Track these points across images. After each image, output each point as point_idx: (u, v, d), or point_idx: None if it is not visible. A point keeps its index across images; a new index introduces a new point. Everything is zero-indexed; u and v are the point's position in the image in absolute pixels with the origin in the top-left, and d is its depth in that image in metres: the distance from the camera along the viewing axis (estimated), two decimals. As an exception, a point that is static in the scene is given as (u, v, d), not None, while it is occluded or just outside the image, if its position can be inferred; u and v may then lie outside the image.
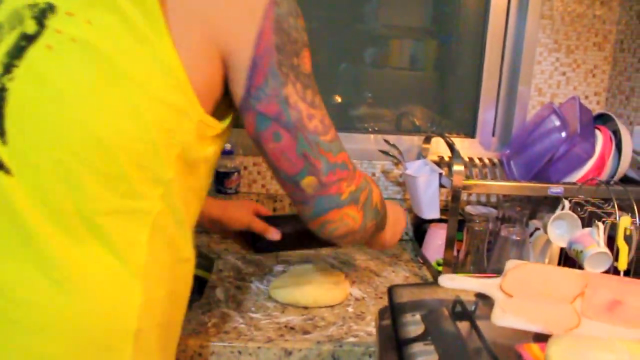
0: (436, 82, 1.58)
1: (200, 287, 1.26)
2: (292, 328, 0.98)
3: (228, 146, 1.36)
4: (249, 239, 1.07)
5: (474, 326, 0.71)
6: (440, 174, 1.20)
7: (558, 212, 1.05)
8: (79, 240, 0.61)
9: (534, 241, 1.18)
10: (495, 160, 1.40)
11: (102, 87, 0.60)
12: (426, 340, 0.70)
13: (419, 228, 1.41)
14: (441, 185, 1.21)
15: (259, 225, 1.04)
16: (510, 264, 0.80)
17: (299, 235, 1.04)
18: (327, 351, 0.92)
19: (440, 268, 1.18)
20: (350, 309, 1.06)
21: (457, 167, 1.10)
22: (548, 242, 1.12)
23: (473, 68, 1.51)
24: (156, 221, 0.65)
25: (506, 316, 0.68)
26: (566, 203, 1.06)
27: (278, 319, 1.01)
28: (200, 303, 1.06)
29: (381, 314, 0.84)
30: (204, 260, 1.29)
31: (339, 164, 0.75)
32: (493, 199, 1.44)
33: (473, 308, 0.78)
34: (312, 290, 1.07)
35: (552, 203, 1.17)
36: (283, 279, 1.11)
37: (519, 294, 0.73)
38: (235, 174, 1.38)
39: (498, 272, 0.80)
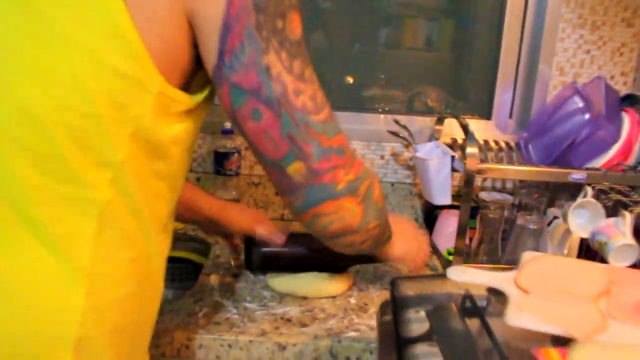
0: (451, 62, 1.51)
1: (195, 272, 1.20)
2: (288, 320, 0.92)
3: (228, 125, 1.28)
4: (243, 252, 1.00)
5: (485, 325, 0.64)
6: (453, 157, 1.13)
7: (580, 199, 0.99)
8: (9, 234, 0.54)
9: (552, 231, 1.12)
10: (512, 144, 1.33)
11: (34, 48, 0.52)
12: (431, 340, 0.63)
13: (430, 214, 1.35)
14: (453, 169, 1.14)
15: (264, 228, 0.95)
16: (527, 256, 0.73)
17: (306, 255, 0.98)
18: (324, 346, 0.85)
19: (451, 257, 1.12)
20: (352, 300, 0.99)
21: (471, 150, 1.03)
22: (567, 232, 1.05)
23: (490, 45, 1.43)
24: (105, 212, 0.57)
25: (521, 315, 0.62)
26: (589, 190, 1.00)
27: (274, 310, 0.95)
28: (193, 290, 1.00)
29: (383, 308, 0.76)
30: (201, 245, 1.23)
31: (335, 148, 0.64)
32: (509, 185, 1.37)
33: (484, 304, 0.71)
34: (312, 279, 1.00)
35: (573, 190, 1.10)
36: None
37: (537, 290, 0.66)
38: (236, 154, 1.31)
39: (513, 263, 0.73)
